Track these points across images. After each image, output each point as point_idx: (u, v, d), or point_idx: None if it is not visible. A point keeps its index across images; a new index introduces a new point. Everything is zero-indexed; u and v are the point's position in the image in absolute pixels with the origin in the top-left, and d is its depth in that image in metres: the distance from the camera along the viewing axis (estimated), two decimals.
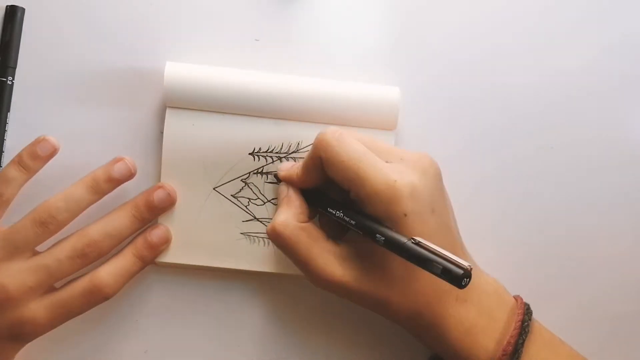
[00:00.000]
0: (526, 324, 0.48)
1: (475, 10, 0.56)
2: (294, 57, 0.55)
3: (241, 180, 0.53)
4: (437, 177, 0.48)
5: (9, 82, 0.53)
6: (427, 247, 0.43)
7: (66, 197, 0.50)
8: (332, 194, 0.50)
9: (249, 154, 0.53)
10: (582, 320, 0.56)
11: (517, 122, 0.56)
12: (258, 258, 0.53)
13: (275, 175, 0.53)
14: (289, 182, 0.51)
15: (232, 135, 0.52)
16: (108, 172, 0.51)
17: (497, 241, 0.56)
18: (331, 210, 0.48)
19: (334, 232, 0.50)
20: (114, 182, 0.51)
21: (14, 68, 0.53)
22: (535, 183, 0.56)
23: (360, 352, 0.55)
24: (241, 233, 0.53)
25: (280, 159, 0.53)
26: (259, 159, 0.53)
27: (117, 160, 0.51)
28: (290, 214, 0.49)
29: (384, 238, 0.44)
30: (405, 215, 0.45)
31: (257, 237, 0.53)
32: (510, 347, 0.47)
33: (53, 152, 0.51)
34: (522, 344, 0.47)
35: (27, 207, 0.51)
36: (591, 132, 0.56)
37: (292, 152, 0.53)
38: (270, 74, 0.53)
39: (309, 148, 0.52)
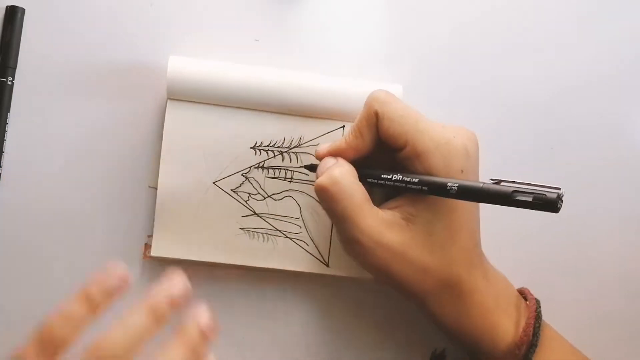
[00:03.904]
0: (539, 310, 0.49)
1: (477, 10, 0.56)
2: (294, 58, 0.55)
3: (241, 175, 0.52)
4: (478, 148, 0.49)
5: (9, 82, 0.53)
6: (511, 181, 0.42)
7: (124, 330, 0.41)
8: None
9: (250, 147, 0.52)
10: (582, 319, 0.56)
11: (518, 121, 0.56)
12: (257, 254, 0.52)
13: (307, 166, 0.52)
14: (336, 153, 0.49)
15: (233, 128, 0.52)
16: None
17: (496, 240, 0.54)
18: (386, 176, 0.47)
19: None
20: (176, 306, 0.43)
21: (14, 68, 0.53)
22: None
23: (361, 351, 0.55)
24: (240, 228, 0.52)
25: (281, 153, 0.52)
26: (260, 152, 0.52)
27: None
28: (345, 169, 0.47)
29: (457, 185, 0.44)
30: (462, 171, 0.46)
31: (257, 232, 0.52)
32: (530, 329, 0.47)
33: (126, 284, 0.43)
34: (539, 328, 0.48)
35: (30, 205, 0.51)
36: (592, 132, 0.56)
37: (294, 147, 0.52)
38: (273, 68, 0.53)
39: (311, 143, 0.52)
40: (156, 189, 0.52)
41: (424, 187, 0.45)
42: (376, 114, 0.47)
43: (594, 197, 0.56)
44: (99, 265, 0.53)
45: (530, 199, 0.40)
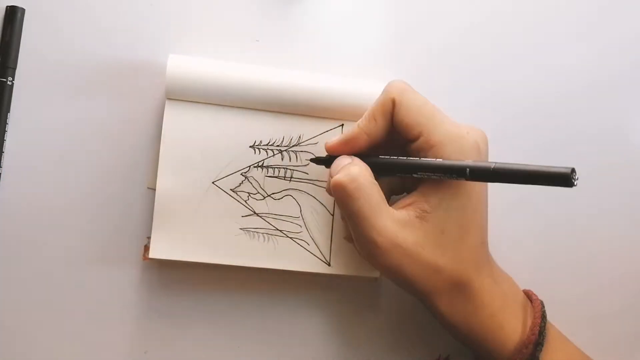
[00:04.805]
0: (544, 309, 0.49)
1: (478, 11, 0.56)
2: (294, 58, 0.55)
3: (241, 174, 0.52)
4: (487, 146, 0.49)
5: (9, 82, 0.53)
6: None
7: None
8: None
9: (250, 146, 0.52)
10: (584, 320, 0.56)
11: (517, 122, 0.56)
12: (258, 254, 0.52)
13: (314, 160, 0.51)
14: (349, 139, 0.49)
15: (232, 127, 0.52)
16: None
17: (500, 242, 0.54)
18: (402, 159, 0.47)
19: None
20: None
21: (14, 68, 0.53)
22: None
23: (363, 353, 0.55)
24: (240, 228, 0.52)
25: (281, 152, 0.52)
26: (259, 151, 0.52)
27: None
28: (363, 167, 0.47)
29: (469, 167, 0.44)
30: None
31: (257, 232, 0.52)
32: (537, 328, 0.48)
33: None
34: (545, 327, 0.48)
35: (29, 205, 0.52)
36: (591, 132, 0.56)
37: (293, 145, 0.52)
38: (272, 68, 0.53)
39: (310, 142, 0.52)
40: (154, 190, 0.52)
41: (443, 174, 0.45)
42: (393, 102, 0.47)
43: (598, 197, 0.56)
44: (98, 266, 0.53)
45: (547, 173, 0.40)
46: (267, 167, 0.52)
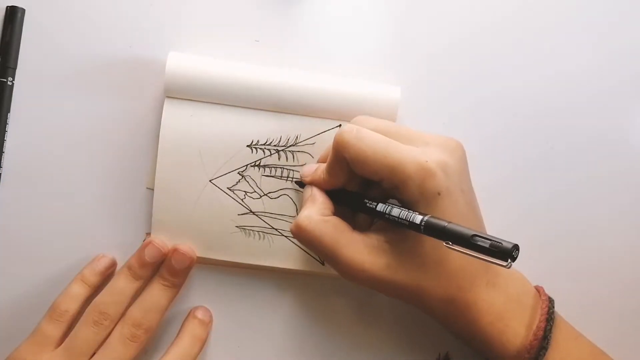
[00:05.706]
0: (552, 311, 0.48)
1: (477, 12, 0.56)
2: (294, 58, 0.55)
3: (238, 173, 0.52)
4: (464, 159, 0.48)
5: (9, 82, 0.53)
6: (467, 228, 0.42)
7: (110, 291, 0.51)
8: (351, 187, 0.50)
9: (247, 146, 0.52)
10: (591, 317, 0.55)
11: (517, 122, 0.56)
12: (253, 252, 0.52)
13: (297, 182, 0.52)
14: (317, 184, 0.50)
15: (230, 126, 0.52)
16: (141, 258, 0.52)
17: None
18: (370, 205, 0.47)
19: (359, 226, 0.50)
20: (149, 265, 0.52)
21: (14, 69, 0.53)
22: (535, 184, 0.56)
23: (357, 352, 0.55)
24: (236, 226, 0.52)
25: (278, 151, 0.52)
26: (256, 151, 0.52)
27: (145, 244, 0.52)
28: (313, 210, 0.48)
29: (424, 223, 0.44)
30: (439, 194, 0.45)
31: (253, 230, 0.52)
32: (541, 332, 0.47)
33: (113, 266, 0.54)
34: (550, 330, 0.47)
35: (29, 205, 0.53)
36: (592, 134, 0.56)
37: (291, 145, 0.52)
38: (270, 67, 0.53)
39: (307, 142, 0.52)
40: (153, 190, 0.52)
41: (403, 221, 0.45)
42: (345, 160, 0.47)
43: (600, 203, 0.56)
44: None
45: (487, 245, 0.40)
46: (264, 166, 0.52)
